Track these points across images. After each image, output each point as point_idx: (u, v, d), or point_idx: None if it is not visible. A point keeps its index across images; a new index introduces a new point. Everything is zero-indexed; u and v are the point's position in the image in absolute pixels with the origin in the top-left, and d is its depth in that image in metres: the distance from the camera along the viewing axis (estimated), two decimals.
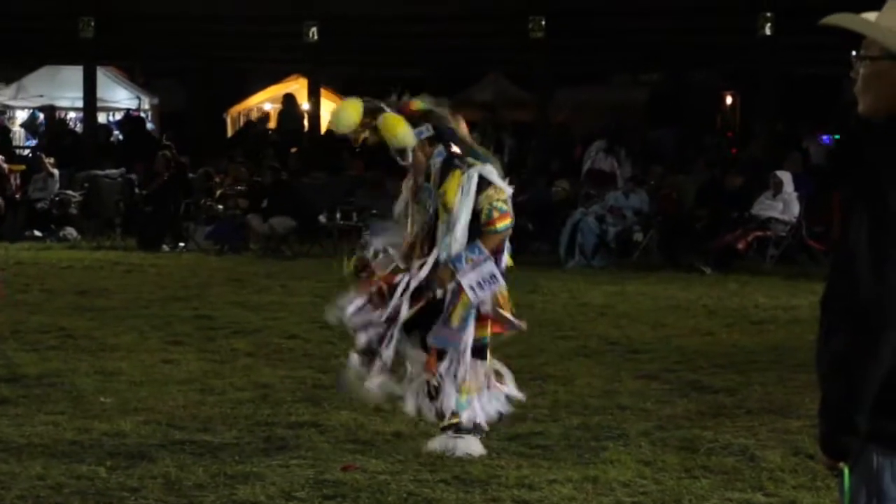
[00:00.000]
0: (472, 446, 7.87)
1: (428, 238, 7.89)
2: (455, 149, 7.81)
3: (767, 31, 24.07)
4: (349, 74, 34.80)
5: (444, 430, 7.97)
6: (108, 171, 25.51)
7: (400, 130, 7.73)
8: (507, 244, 8.11)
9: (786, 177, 19.97)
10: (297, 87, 31.45)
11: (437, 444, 7.94)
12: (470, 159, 7.78)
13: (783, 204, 19.62)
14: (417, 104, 7.81)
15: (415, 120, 7.75)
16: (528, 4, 26.07)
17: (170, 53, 33.19)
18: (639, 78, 34.44)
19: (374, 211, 23.26)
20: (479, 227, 7.74)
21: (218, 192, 23.87)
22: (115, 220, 23.70)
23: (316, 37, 27.09)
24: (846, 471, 3.55)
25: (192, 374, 10.59)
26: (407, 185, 8.05)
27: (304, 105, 30.35)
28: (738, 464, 7.79)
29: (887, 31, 3.56)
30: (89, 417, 8.89)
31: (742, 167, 21.98)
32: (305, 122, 30.31)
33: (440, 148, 7.78)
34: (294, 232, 21.57)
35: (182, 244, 22.15)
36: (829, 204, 19.54)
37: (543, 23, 25.65)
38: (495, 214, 7.70)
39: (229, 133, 32.93)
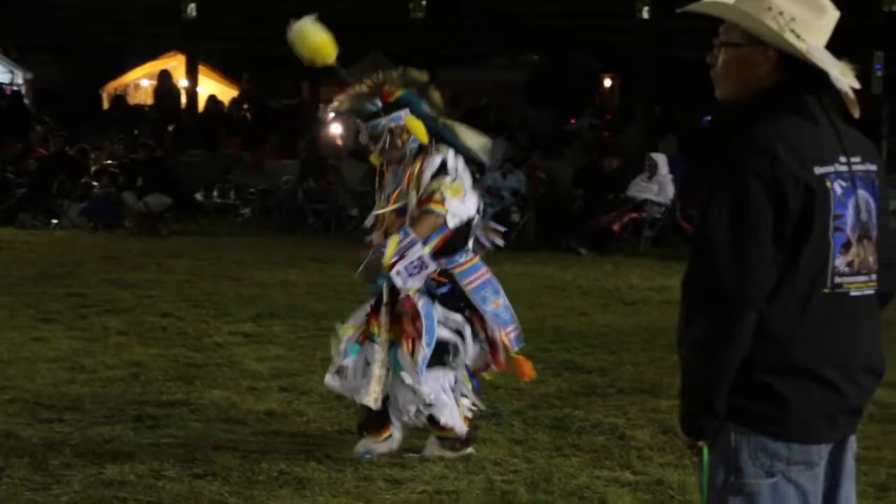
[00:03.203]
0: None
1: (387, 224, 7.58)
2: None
3: (645, 15, 24.30)
4: (228, 51, 34.55)
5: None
6: None
7: (320, 45, 7.41)
8: (498, 226, 7.92)
9: (661, 159, 20.16)
10: (175, 63, 31.15)
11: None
12: (441, 146, 7.47)
13: (658, 186, 19.82)
14: (398, 93, 7.46)
15: (393, 106, 7.47)
16: None
17: (44, 28, 32.65)
18: (517, 60, 34.60)
19: (252, 189, 23.24)
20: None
21: (93, 169, 23.58)
22: None
23: (194, 13, 26.84)
24: (706, 449, 3.62)
25: (63, 352, 10.46)
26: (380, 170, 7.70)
27: (182, 82, 30.08)
28: (607, 442, 7.88)
29: (749, 16, 3.62)
30: None
31: (618, 149, 22.16)
32: (183, 99, 30.05)
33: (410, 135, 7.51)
34: (170, 210, 21.36)
35: (55, 221, 21.83)
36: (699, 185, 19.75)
37: (424, 3, 25.65)
38: (436, 196, 7.33)
39: (105, 109, 32.52)
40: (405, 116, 7.48)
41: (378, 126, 7.49)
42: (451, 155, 7.48)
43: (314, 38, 7.49)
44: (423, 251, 7.34)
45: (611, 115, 31.71)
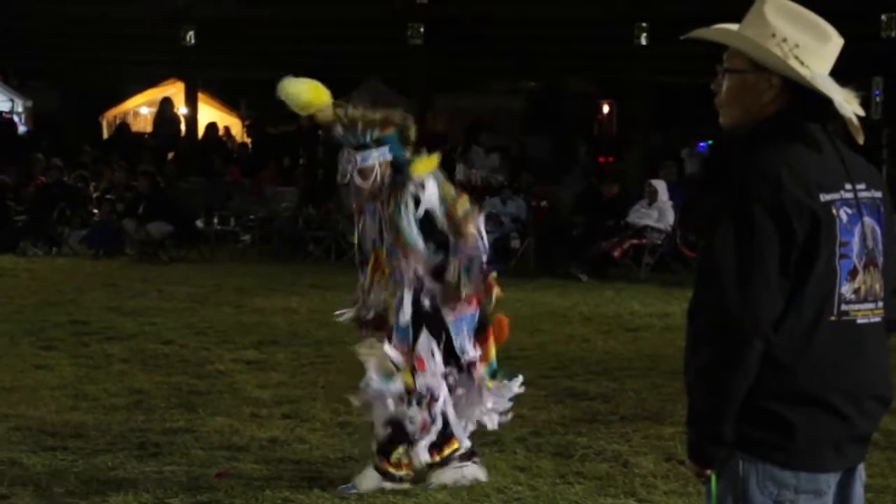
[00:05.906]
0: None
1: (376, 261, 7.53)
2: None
3: (643, 41, 24.35)
4: (227, 78, 34.57)
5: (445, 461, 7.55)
6: None
7: (310, 95, 7.47)
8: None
9: (661, 185, 20.22)
10: (174, 90, 31.21)
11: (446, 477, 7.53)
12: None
13: (658, 212, 19.85)
14: (390, 130, 7.42)
15: (381, 141, 7.38)
16: (408, 11, 26.09)
17: (44, 55, 32.70)
18: (516, 85, 34.62)
19: (251, 216, 23.25)
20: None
21: (94, 196, 23.63)
22: None
23: (193, 40, 26.91)
24: (714, 477, 3.61)
25: (66, 379, 10.46)
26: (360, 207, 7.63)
27: (181, 109, 30.14)
28: (611, 469, 7.86)
29: (753, 43, 3.63)
30: None
31: (618, 175, 22.21)
32: (182, 127, 30.10)
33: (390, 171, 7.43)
34: (171, 237, 21.38)
35: (56, 248, 21.86)
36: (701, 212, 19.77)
37: (422, 30, 25.71)
38: (458, 196, 7.38)
39: (105, 137, 32.57)
40: (390, 154, 7.42)
41: (369, 158, 7.42)
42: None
43: (302, 96, 7.49)
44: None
45: (609, 140, 31.72)
